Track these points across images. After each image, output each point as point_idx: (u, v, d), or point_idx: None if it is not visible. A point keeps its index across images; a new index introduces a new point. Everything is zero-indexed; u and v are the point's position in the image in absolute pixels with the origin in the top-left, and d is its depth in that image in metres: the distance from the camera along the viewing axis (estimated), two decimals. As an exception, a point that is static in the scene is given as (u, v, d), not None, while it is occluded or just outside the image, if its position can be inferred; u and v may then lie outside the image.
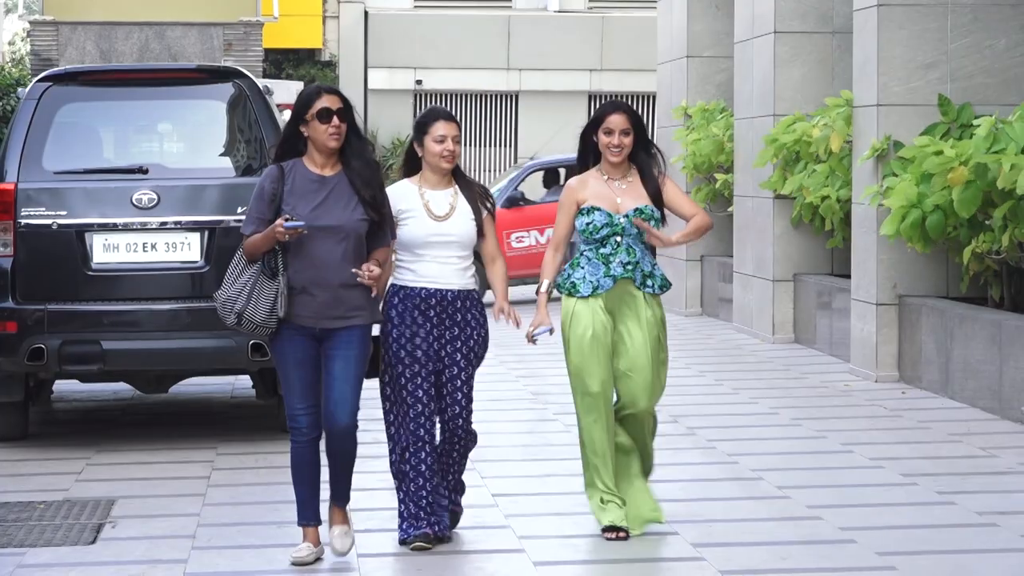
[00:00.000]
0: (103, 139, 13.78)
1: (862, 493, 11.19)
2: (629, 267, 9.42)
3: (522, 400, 14.06)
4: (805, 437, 13.42)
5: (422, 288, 9.28)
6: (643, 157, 9.61)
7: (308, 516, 9.14)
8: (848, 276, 17.51)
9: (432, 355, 9.30)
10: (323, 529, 9.22)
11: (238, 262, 9.01)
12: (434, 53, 37.13)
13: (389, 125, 37.44)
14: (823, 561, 9.37)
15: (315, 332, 9.00)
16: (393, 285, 9.37)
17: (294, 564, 9.01)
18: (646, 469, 9.89)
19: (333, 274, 8.94)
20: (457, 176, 9.46)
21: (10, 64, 27.67)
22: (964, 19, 16.14)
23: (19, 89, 17.76)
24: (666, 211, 9.68)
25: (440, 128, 9.27)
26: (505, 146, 38.21)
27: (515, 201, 24.68)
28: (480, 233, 9.39)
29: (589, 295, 9.40)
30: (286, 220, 8.69)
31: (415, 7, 38.32)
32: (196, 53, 31.44)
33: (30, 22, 35.69)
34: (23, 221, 12.92)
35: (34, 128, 13.24)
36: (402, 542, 9.33)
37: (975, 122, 14.61)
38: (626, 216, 9.42)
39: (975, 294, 15.59)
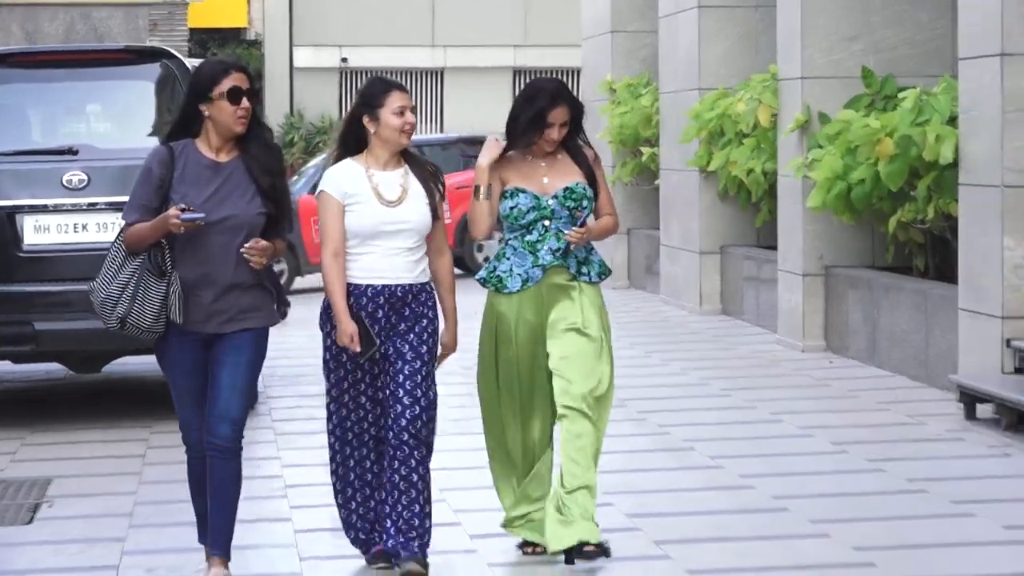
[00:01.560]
0: (32, 120, 13.74)
1: (793, 462, 11.25)
2: (559, 254, 8.24)
3: (452, 374, 14.13)
4: (735, 407, 13.48)
5: (368, 286, 7.98)
6: (570, 133, 8.42)
7: (208, 540, 7.93)
8: (774, 248, 17.58)
9: (376, 360, 8.04)
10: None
11: (117, 253, 7.67)
12: (359, 31, 37.13)
13: (315, 103, 37.52)
14: (757, 530, 9.38)
15: (204, 336, 7.76)
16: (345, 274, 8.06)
17: None
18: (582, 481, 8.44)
19: (225, 273, 7.69)
20: (405, 154, 8.13)
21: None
22: (887, -7, 16.25)
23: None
24: None
25: (397, 99, 7.92)
26: (431, 123, 38.28)
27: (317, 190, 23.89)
28: (434, 218, 8.09)
29: (519, 290, 8.25)
30: (182, 211, 7.42)
31: (340, -12, 38.29)
32: (122, 34, 31.29)
33: (-44, 5, 35.52)
34: (-35, 200, 12.87)
35: (-38, 111, 13.22)
36: (359, 550, 8.35)
37: (901, 95, 14.71)
38: (555, 197, 8.25)
39: (900, 264, 15.68)
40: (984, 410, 12.40)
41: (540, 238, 8.23)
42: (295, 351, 15.93)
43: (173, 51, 13.95)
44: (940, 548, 9.03)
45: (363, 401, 8.16)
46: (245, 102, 7.61)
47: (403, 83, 8.37)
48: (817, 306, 16.47)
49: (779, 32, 17.03)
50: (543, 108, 8.21)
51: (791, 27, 16.59)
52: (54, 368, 14.93)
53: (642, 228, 22.93)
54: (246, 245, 7.60)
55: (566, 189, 8.24)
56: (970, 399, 12.59)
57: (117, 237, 7.74)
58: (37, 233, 12.79)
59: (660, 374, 15.10)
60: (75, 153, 12.94)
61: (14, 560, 9.19)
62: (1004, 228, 12.66)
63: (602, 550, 8.12)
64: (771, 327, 17.59)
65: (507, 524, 8.64)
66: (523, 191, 8.25)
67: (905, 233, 14.98)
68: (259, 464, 11.30)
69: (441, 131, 36.56)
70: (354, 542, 8.32)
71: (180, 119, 7.83)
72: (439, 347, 8.20)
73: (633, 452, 11.44)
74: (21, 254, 12.71)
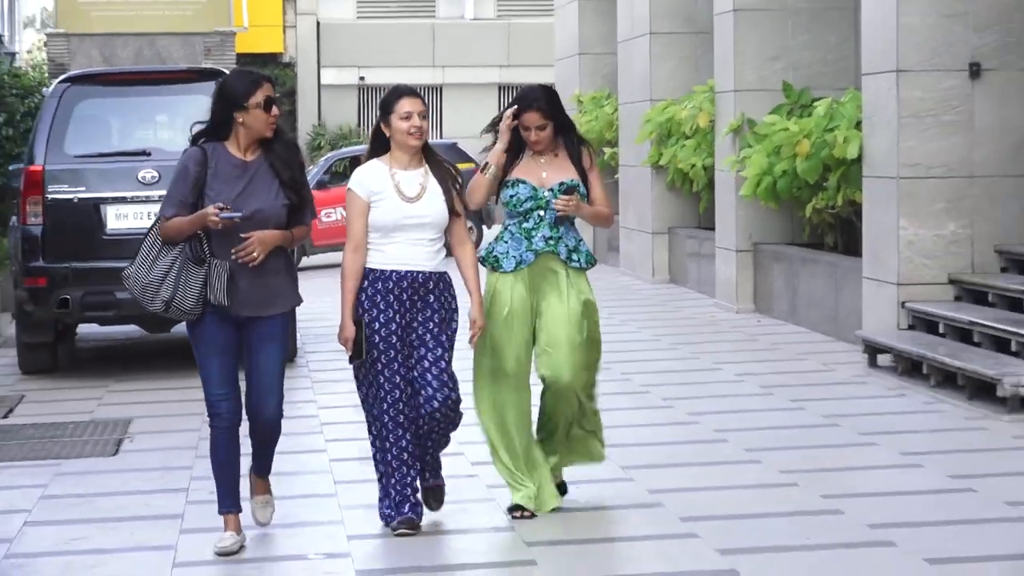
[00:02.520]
0: (112, 128, 13.72)
1: (731, 402, 11.26)
2: (552, 241, 7.72)
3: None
4: (682, 358, 13.48)
5: (392, 271, 7.35)
6: (569, 135, 7.94)
7: (228, 505, 7.36)
8: (712, 229, 17.57)
9: (404, 339, 7.41)
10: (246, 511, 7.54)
11: (154, 243, 7.11)
12: (374, 55, 36.98)
13: (337, 115, 37.42)
14: (702, 457, 9.43)
15: (236, 319, 7.19)
16: (364, 269, 7.42)
17: (219, 555, 7.26)
18: (591, 453, 8.22)
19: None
20: (427, 155, 7.53)
21: (30, 69, 27.33)
22: (803, 20, 16.26)
23: (43, 89, 17.59)
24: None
25: (405, 105, 7.35)
26: (433, 130, 38.21)
27: (323, 184, 23.60)
28: (451, 213, 7.48)
29: (512, 270, 7.68)
30: (220, 209, 6.94)
31: (358, 18, 38.12)
32: (181, 58, 31.15)
33: (46, 34, 35.33)
34: (50, 196, 12.94)
35: (57, 120, 13.22)
36: (387, 525, 7.57)
37: (815, 104, 14.75)
38: (551, 190, 7.72)
39: (815, 241, 15.69)
40: (883, 359, 12.41)
41: (535, 226, 7.73)
42: (328, 314, 15.89)
43: (225, 71, 13.92)
44: (851, 471, 9.08)
45: (397, 380, 7.41)
46: (275, 110, 7.17)
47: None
48: (747, 276, 16.47)
49: (716, 54, 17.03)
50: (518, 113, 7.75)
51: (725, 50, 16.60)
52: (132, 329, 14.91)
53: (605, 213, 22.88)
54: (234, 251, 7.03)
55: (561, 183, 7.72)
56: (872, 350, 12.61)
57: (152, 229, 7.19)
58: (118, 220, 12.85)
59: (620, 332, 15.06)
60: (148, 154, 13.00)
61: (104, 484, 9.20)
62: (899, 212, 12.67)
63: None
64: (710, 293, 17.60)
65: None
66: (523, 182, 7.74)
67: (819, 216, 14.97)
68: (298, 406, 11.28)
69: (440, 137, 36.48)
70: (390, 515, 7.54)
71: (213, 124, 7.25)
72: (470, 322, 7.53)
73: (600, 395, 11.42)
74: (105, 237, 12.81)
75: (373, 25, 37.89)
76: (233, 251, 7.01)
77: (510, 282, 7.71)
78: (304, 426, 10.46)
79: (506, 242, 7.76)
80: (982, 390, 10.77)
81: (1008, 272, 12.53)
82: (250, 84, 7.13)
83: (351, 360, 7.38)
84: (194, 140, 7.29)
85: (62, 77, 14.14)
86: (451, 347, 7.52)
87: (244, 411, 7.34)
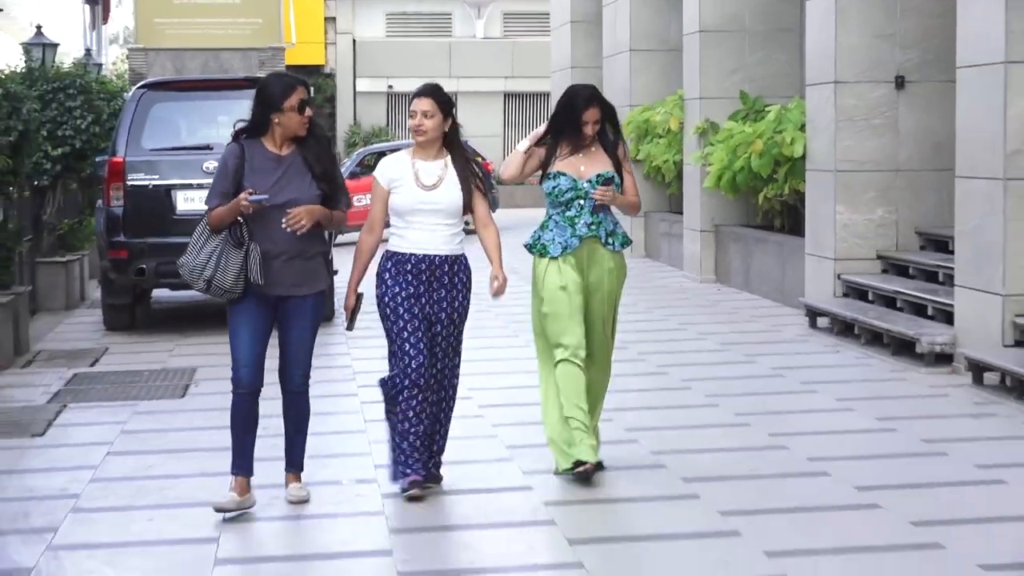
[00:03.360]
0: (181, 127, 13.68)
1: (694, 356, 11.26)
2: (593, 227, 7.16)
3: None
4: (655, 320, 13.46)
5: (411, 254, 6.84)
6: (608, 131, 7.34)
7: (240, 467, 6.82)
8: (681, 213, 17.59)
9: (426, 310, 6.89)
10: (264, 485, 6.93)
11: (202, 231, 6.66)
12: (400, 67, 36.82)
13: (370, 117, 37.29)
14: (668, 402, 9.42)
15: (271, 299, 6.71)
16: (387, 251, 6.95)
17: (215, 510, 6.71)
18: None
19: (290, 245, 6.65)
20: (453, 148, 6.96)
21: (114, 78, 27.30)
22: (757, 40, 16.25)
23: (124, 94, 17.55)
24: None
25: (413, 104, 6.88)
26: (449, 129, 38.17)
27: (355, 175, 23.63)
28: (469, 202, 6.90)
29: (559, 255, 7.14)
30: (250, 194, 6.51)
31: (387, 36, 37.98)
32: (240, 68, 31.00)
33: (128, 49, 35.31)
34: (129, 183, 12.96)
35: (135, 120, 13.22)
36: (395, 482, 7.00)
37: (767, 110, 14.71)
38: (589, 181, 7.17)
39: (766, 224, 15.67)
40: (822, 322, 12.42)
41: (577, 214, 7.16)
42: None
43: (273, 79, 13.93)
44: (794, 414, 9.07)
45: (420, 347, 6.82)
46: (308, 111, 6.66)
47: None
48: (710, 252, 16.48)
49: (684, 68, 17.02)
50: (579, 109, 7.23)
51: (692, 64, 16.59)
52: (198, 294, 14.87)
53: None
54: (284, 219, 6.58)
55: (598, 175, 7.17)
56: (812, 314, 12.61)
57: (203, 219, 6.70)
58: (186, 203, 12.84)
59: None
60: (210, 148, 12.91)
61: (174, 421, 9.22)
62: (836, 199, 12.67)
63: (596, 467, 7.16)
64: (679, 266, 17.62)
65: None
66: (564, 174, 7.18)
67: (769, 203, 14.96)
68: (334, 357, 11.30)
69: (456, 135, 36.49)
70: (399, 475, 6.96)
71: (253, 123, 6.72)
72: (492, 280, 6.96)
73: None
74: (175, 217, 12.81)
75: (400, 42, 37.81)
76: (284, 219, 6.57)
77: (558, 267, 7.16)
78: (339, 375, 10.46)
79: (551, 230, 7.21)
80: (903, 347, 10.77)
81: (926, 250, 12.54)
82: (286, 88, 6.65)
83: (348, 328, 7.06)
84: (235, 137, 6.81)
85: (139, 84, 14.11)
86: (461, 324, 7.01)
87: (279, 381, 6.88)
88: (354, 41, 38.08)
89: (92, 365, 11.63)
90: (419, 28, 38.40)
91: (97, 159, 15.60)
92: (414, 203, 6.84)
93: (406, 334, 6.83)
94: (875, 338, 11.30)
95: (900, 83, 12.57)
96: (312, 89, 6.85)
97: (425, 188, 6.85)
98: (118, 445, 8.52)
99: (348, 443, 8.31)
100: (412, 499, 6.82)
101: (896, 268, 12.53)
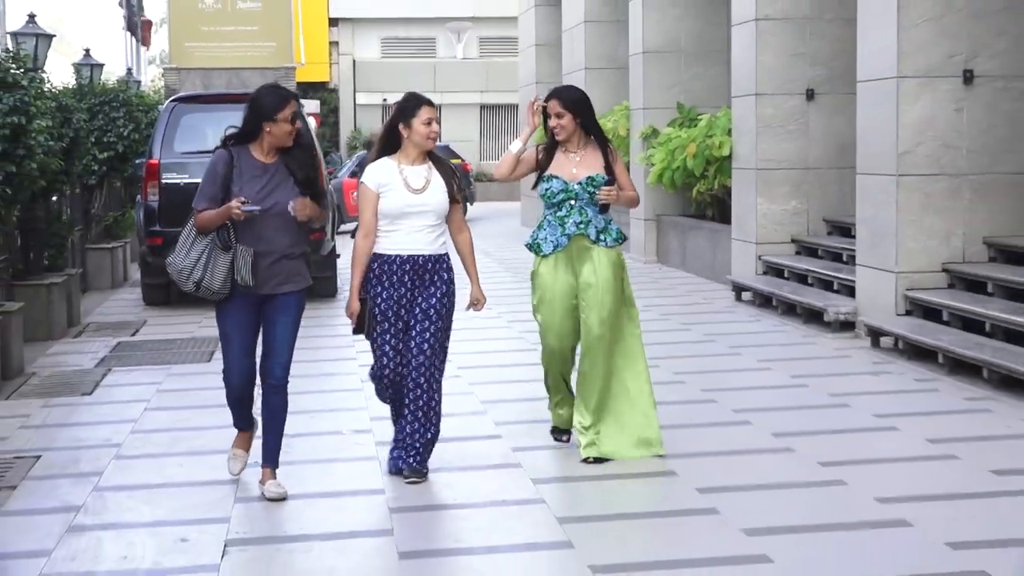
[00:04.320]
0: (207, 134, 13.53)
1: (641, 325, 11.20)
2: (582, 225, 6.45)
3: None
4: (606, 294, 13.45)
5: (396, 255, 6.10)
6: (597, 134, 6.63)
7: (242, 424, 6.37)
8: (628, 205, 17.56)
9: (403, 314, 6.13)
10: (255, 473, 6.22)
11: (189, 233, 5.94)
12: (393, 83, 36.67)
13: (368, 124, 37.21)
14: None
15: (257, 297, 5.97)
16: (374, 253, 6.14)
17: (233, 476, 6.33)
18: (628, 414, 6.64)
19: (276, 246, 5.91)
20: (430, 154, 6.26)
21: (151, 92, 27.13)
22: (691, 59, 16.23)
23: (159, 106, 17.44)
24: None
25: (426, 112, 6.15)
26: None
27: (354, 174, 23.61)
28: (451, 202, 6.20)
29: (551, 253, 6.47)
30: (242, 203, 5.80)
31: (382, 58, 37.86)
32: (258, 85, 30.91)
33: (163, 68, 35.06)
34: (164, 181, 12.84)
35: (168, 127, 13.11)
36: (393, 471, 6.34)
37: (699, 118, 14.69)
38: (579, 183, 6.48)
39: (699, 213, 15.67)
40: (746, 295, 12.42)
41: (567, 214, 6.48)
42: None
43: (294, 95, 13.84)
44: (722, 372, 9.06)
45: (387, 349, 6.14)
46: (297, 123, 5.91)
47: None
48: (652, 237, 16.47)
49: (630, 83, 16.97)
50: (547, 99, 6.62)
51: (637, 80, 16.55)
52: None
53: (553, 194, 22.84)
54: (291, 206, 5.90)
55: (588, 178, 6.47)
56: (737, 289, 12.60)
57: (188, 221, 5.97)
58: (210, 199, 12.72)
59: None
60: (232, 153, 12.80)
61: (202, 381, 9.12)
62: (757, 193, 12.67)
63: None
64: (627, 249, 17.52)
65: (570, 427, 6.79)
66: (556, 177, 6.51)
67: (702, 196, 14.96)
68: (335, 328, 11.21)
69: (439, 141, 36.43)
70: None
71: (243, 131, 5.97)
72: (470, 302, 6.36)
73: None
74: (201, 212, 12.66)
75: (392, 63, 37.70)
76: (291, 208, 5.88)
77: (551, 263, 6.50)
78: (337, 342, 10.37)
79: (544, 229, 6.55)
80: (813, 317, 10.77)
81: (832, 235, 12.54)
82: (280, 100, 5.91)
83: (354, 332, 6.20)
84: (224, 142, 6.04)
85: (171, 98, 14.01)
86: (447, 319, 6.18)
87: (259, 375, 6.10)
88: (354, 61, 37.96)
89: (133, 335, 11.54)
90: (409, 50, 38.32)
91: (137, 161, 15.51)
92: (403, 206, 6.10)
93: (383, 339, 6.12)
94: (790, 309, 11.30)
95: (810, 95, 12.55)
96: (319, 103, 6.20)
97: (414, 191, 6.11)
98: (154, 402, 8.46)
99: (346, 400, 8.27)
100: (413, 482, 6.16)
101: (807, 250, 12.52)
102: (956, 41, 9.67)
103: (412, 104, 6.17)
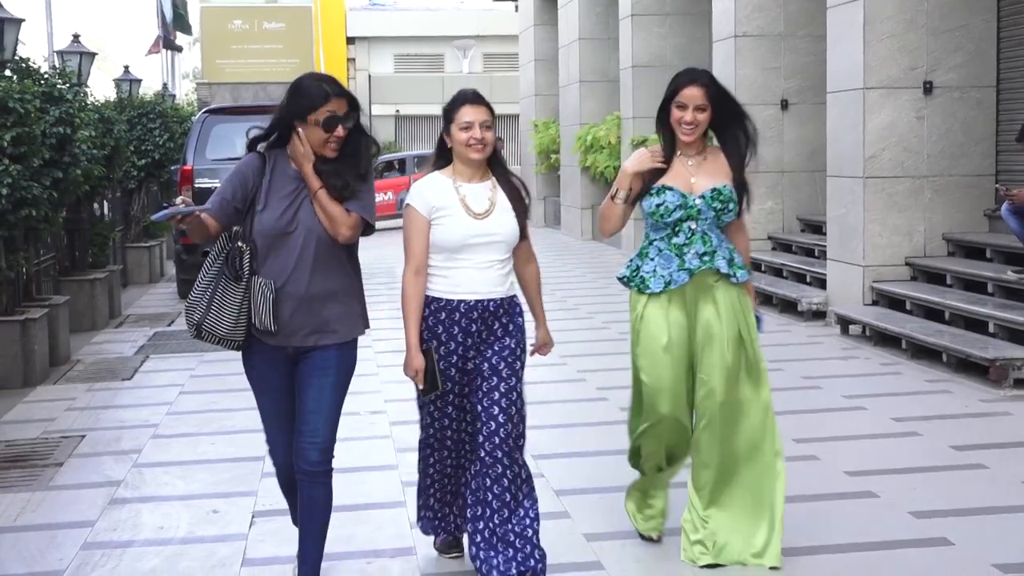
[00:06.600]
0: (236, 142, 13.51)
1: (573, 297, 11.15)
2: (707, 257, 4.29)
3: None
4: (553, 269, 13.40)
5: (461, 301, 4.10)
6: (731, 129, 4.41)
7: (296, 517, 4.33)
8: (619, 205, 17.50)
9: (466, 369, 4.16)
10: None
11: (206, 263, 4.02)
12: (405, 95, 36.74)
13: (382, 134, 37.08)
14: (566, 337, 9.23)
15: (287, 352, 3.99)
16: (425, 296, 4.13)
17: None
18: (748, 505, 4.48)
19: (300, 282, 3.91)
20: (494, 166, 4.24)
21: (185, 105, 27.15)
22: (675, 72, 16.09)
23: (192, 117, 17.42)
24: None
25: (466, 113, 4.15)
26: (443, 143, 38.09)
27: (378, 174, 23.81)
28: (522, 231, 4.21)
29: (661, 291, 4.29)
30: (182, 202, 3.90)
31: (395, 72, 37.87)
32: (282, 98, 30.94)
33: (196, 83, 35.10)
34: (196, 185, 12.77)
35: (200, 136, 13.08)
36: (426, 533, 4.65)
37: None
38: (701, 197, 4.30)
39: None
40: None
41: (687, 241, 4.30)
42: (388, 272, 15.72)
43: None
44: (704, 357, 8.99)
45: (449, 411, 4.23)
46: (340, 130, 3.92)
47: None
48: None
49: (621, 95, 16.91)
50: (676, 86, 4.43)
51: (627, 92, 16.49)
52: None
53: (552, 196, 22.80)
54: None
55: (713, 190, 4.31)
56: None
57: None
58: (241, 205, 12.65)
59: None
60: (261, 159, 12.74)
61: (231, 368, 8.97)
62: (736, 194, 12.63)
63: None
64: (618, 246, 17.51)
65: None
66: (670, 189, 4.31)
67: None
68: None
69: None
70: (424, 529, 4.58)
71: (273, 130, 4.04)
72: (536, 346, 4.38)
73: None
74: (232, 212, 12.60)
75: (404, 77, 37.69)
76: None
77: (663, 304, 4.33)
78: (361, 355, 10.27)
79: (652, 259, 4.36)
80: (788, 306, 10.74)
81: (805, 232, 12.50)
82: (317, 98, 3.93)
83: (424, 393, 4.15)
84: (252, 144, 4.09)
85: (203, 109, 13.97)
86: (521, 378, 4.17)
87: (293, 455, 4.10)
88: (369, 76, 37.93)
89: (169, 325, 11.52)
90: (419, 66, 38.29)
91: (172, 167, 15.48)
92: (465, 236, 4.10)
93: (444, 400, 4.24)
94: (766, 299, 11.26)
95: (784, 105, 12.52)
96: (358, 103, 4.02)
97: (477, 216, 4.12)
98: (188, 386, 8.44)
99: (363, 383, 8.24)
100: (453, 557, 4.58)
101: (782, 246, 12.49)
102: (917, 55, 9.67)
103: (453, 105, 4.24)
